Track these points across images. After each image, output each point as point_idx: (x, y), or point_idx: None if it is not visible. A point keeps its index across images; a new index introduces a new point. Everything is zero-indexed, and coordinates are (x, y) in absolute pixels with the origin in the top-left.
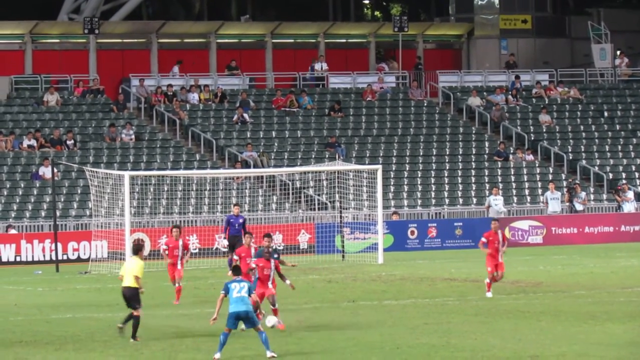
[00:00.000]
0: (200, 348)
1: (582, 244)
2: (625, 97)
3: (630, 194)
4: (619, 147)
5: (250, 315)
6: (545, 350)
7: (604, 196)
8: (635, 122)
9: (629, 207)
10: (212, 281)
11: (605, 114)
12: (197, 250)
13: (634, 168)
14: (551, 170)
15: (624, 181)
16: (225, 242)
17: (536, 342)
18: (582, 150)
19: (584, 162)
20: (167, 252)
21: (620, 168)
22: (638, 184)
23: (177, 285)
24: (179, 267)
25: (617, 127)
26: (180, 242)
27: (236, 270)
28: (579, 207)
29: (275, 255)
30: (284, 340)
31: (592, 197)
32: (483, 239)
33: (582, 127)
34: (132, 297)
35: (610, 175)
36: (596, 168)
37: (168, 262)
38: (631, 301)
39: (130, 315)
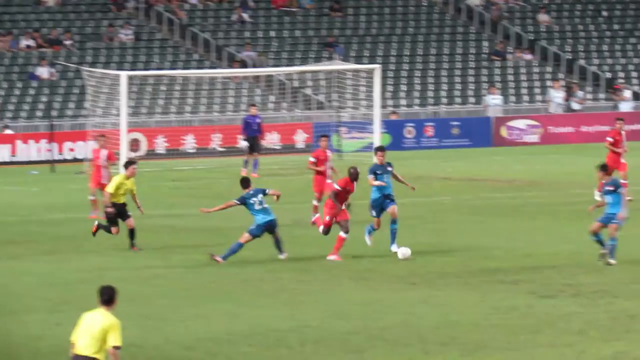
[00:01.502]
0: (197, 247)
1: (578, 143)
2: None
3: (627, 93)
4: (617, 46)
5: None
6: (539, 249)
7: (602, 95)
8: (634, 21)
9: (625, 106)
10: (207, 181)
11: (604, 13)
12: (194, 150)
13: (631, 67)
14: (549, 69)
15: (621, 80)
16: (245, 143)
17: (530, 241)
18: (580, 49)
19: (582, 61)
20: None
21: (618, 67)
22: (635, 82)
23: (91, 197)
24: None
25: (616, 26)
26: (104, 152)
27: (245, 182)
28: (575, 106)
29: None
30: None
31: (589, 96)
32: None
33: (580, 27)
34: None
35: (608, 75)
36: (594, 67)
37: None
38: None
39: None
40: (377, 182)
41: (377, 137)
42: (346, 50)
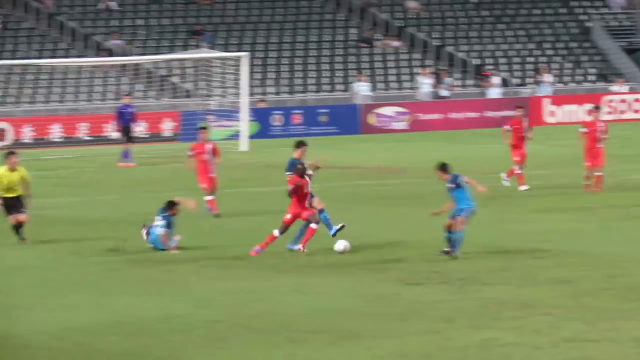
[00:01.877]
0: (64, 237)
1: (447, 130)
2: None
3: (495, 80)
4: (486, 33)
5: None
6: (407, 237)
7: (470, 82)
8: (503, 8)
9: (494, 93)
10: (74, 170)
11: (473, 0)
12: (61, 140)
13: (500, 54)
14: (418, 56)
15: (490, 67)
16: (118, 134)
17: (398, 228)
18: (449, 36)
19: (450, 48)
20: None
21: (487, 54)
22: (503, 69)
23: None
24: None
25: (484, 13)
26: None
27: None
28: (444, 93)
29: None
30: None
31: (457, 83)
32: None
33: (449, 14)
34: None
35: (477, 62)
36: (462, 54)
37: None
38: (494, 186)
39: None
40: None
41: (245, 125)
42: (214, 39)
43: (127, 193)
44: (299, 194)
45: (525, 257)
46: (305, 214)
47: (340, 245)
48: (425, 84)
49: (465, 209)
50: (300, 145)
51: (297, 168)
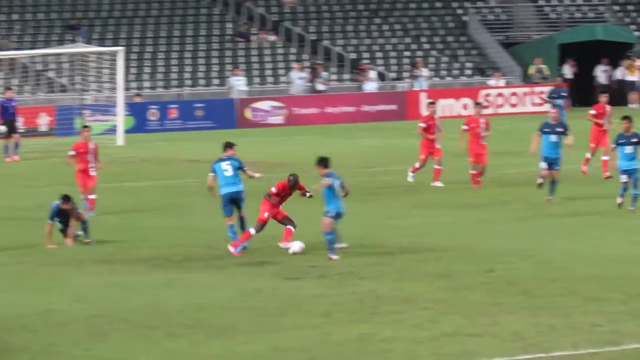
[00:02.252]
0: None
1: (323, 124)
2: None
3: (371, 74)
4: (362, 27)
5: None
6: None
7: (346, 76)
8: (379, 1)
9: (370, 86)
10: None
11: None
12: None
13: (376, 48)
14: (294, 50)
15: (366, 61)
16: (3, 127)
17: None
18: (325, 30)
19: (326, 42)
20: None
21: (363, 48)
22: (379, 63)
23: None
24: None
25: (360, 7)
26: None
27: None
28: (320, 87)
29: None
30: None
31: (334, 77)
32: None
33: (325, 8)
34: None
35: (353, 55)
36: (339, 48)
37: None
38: (371, 180)
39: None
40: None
41: (121, 119)
42: (89, 33)
43: (5, 188)
44: (281, 199)
45: (403, 251)
46: (281, 216)
47: (296, 246)
48: (299, 79)
49: (330, 210)
50: (228, 146)
51: (289, 180)
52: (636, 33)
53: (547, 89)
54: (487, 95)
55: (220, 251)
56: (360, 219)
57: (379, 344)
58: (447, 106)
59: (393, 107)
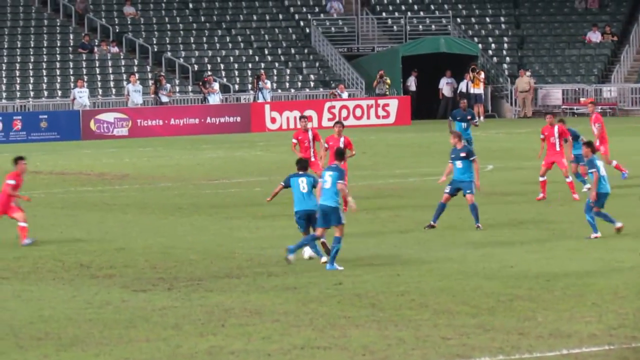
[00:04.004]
0: None
1: (168, 136)
2: None
3: (215, 86)
4: (204, 38)
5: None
6: (132, 243)
7: (190, 88)
8: (221, 13)
9: (214, 98)
10: None
11: (190, 5)
12: None
13: (219, 60)
14: (136, 62)
15: (209, 73)
16: None
17: (123, 234)
18: (168, 42)
19: (169, 54)
20: None
21: (206, 60)
22: (223, 75)
23: None
24: None
25: (202, 18)
26: None
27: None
28: (164, 99)
29: None
30: None
31: (177, 89)
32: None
33: (167, 19)
34: None
35: (196, 67)
36: (182, 60)
37: None
38: (217, 193)
39: None
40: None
41: None
42: None
43: None
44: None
45: (251, 263)
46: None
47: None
48: (135, 91)
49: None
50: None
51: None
52: (480, 46)
53: (391, 101)
54: (332, 107)
55: (68, 262)
56: (206, 232)
57: (228, 357)
58: (292, 118)
59: (237, 119)
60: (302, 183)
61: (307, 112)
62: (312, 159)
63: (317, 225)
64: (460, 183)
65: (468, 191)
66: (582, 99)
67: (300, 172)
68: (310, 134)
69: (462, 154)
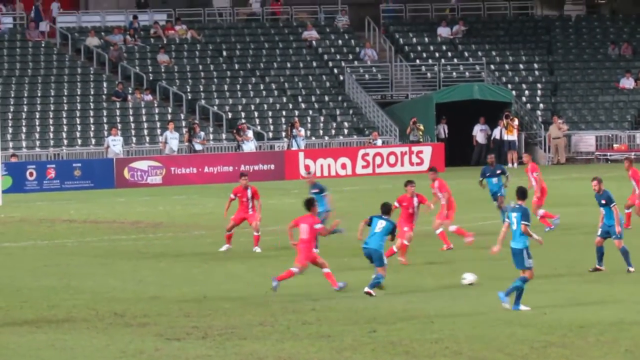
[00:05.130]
0: None
1: (201, 184)
2: (244, 37)
3: (249, 134)
4: (238, 86)
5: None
6: (165, 291)
7: (224, 136)
8: (254, 61)
9: (248, 146)
10: None
11: (224, 53)
12: None
13: (253, 107)
14: (170, 110)
15: (243, 120)
16: None
17: (156, 283)
18: (201, 89)
19: (202, 101)
20: None
21: (240, 107)
22: (257, 123)
23: None
24: None
25: (236, 66)
26: None
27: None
28: (198, 147)
29: None
30: None
31: (211, 136)
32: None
33: (200, 67)
34: None
35: (230, 115)
36: (215, 108)
37: None
38: (251, 241)
39: None
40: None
41: None
42: None
43: None
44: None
45: (285, 311)
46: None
47: (470, 276)
48: (172, 138)
49: None
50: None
51: None
52: (513, 92)
53: (425, 148)
54: (366, 154)
55: (101, 311)
56: (240, 279)
57: None
58: (326, 165)
59: (271, 166)
60: (380, 224)
61: (342, 160)
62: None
63: None
64: (609, 228)
65: (614, 236)
66: (615, 145)
67: (384, 215)
68: (249, 191)
69: (603, 201)
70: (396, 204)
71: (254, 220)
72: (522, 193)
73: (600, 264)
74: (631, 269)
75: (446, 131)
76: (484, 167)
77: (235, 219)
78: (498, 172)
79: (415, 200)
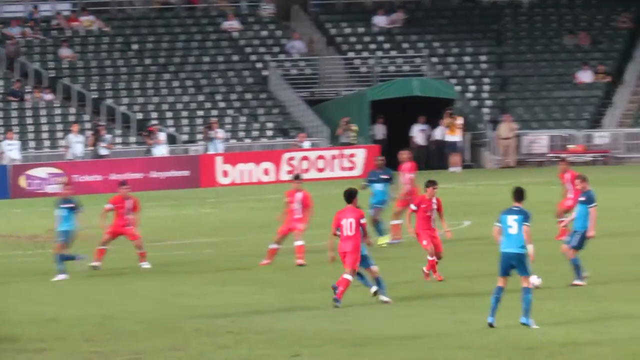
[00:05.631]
0: None
1: (107, 193)
2: (157, 28)
3: (161, 136)
4: (149, 83)
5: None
6: (65, 313)
7: (132, 139)
8: (168, 55)
9: (160, 150)
10: None
11: (134, 46)
12: None
13: (165, 107)
14: (73, 110)
15: (154, 122)
16: None
17: (55, 303)
18: (108, 88)
19: (109, 101)
20: None
21: (150, 107)
22: (170, 124)
23: None
24: None
25: (147, 61)
26: None
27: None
28: (103, 151)
29: None
30: None
31: (118, 140)
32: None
33: (108, 62)
34: None
35: (140, 116)
36: (123, 107)
37: None
38: (161, 255)
39: None
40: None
41: None
42: None
43: None
44: None
45: (199, 334)
46: None
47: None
48: (77, 142)
49: None
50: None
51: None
52: (457, 88)
53: (358, 151)
54: (291, 158)
55: None
56: (149, 299)
57: None
58: (246, 171)
59: (185, 173)
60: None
61: (265, 164)
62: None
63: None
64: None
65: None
66: (571, 146)
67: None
68: (129, 202)
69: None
70: (413, 206)
71: (135, 237)
72: (519, 194)
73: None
74: (579, 282)
75: (384, 132)
76: (370, 171)
77: (111, 232)
78: (384, 177)
79: (435, 203)
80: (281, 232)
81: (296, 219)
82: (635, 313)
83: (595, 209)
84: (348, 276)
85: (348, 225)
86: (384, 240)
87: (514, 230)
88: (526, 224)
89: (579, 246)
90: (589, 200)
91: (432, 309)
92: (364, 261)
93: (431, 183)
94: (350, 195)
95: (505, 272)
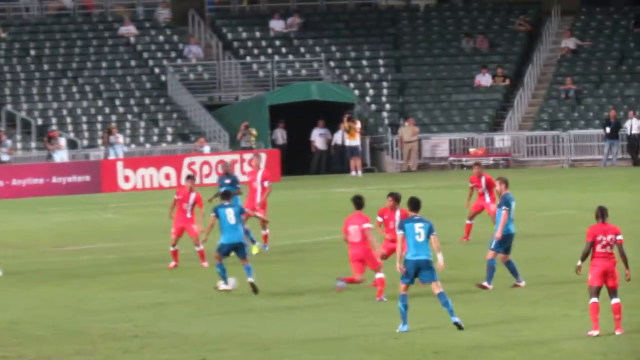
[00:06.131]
0: None
1: (9, 198)
2: (54, 34)
3: (62, 142)
4: (48, 89)
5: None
6: None
7: (33, 144)
8: (66, 61)
9: (61, 156)
10: None
11: (32, 52)
12: None
13: (65, 112)
14: None
15: (54, 127)
16: None
17: None
18: (7, 93)
19: (9, 106)
20: None
21: (50, 112)
22: (70, 129)
23: None
24: None
25: (46, 67)
26: None
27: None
28: (4, 157)
29: None
30: None
31: (19, 145)
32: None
33: (6, 68)
34: None
35: (40, 121)
36: (23, 113)
37: None
38: (65, 261)
39: None
40: None
41: None
42: None
43: None
44: None
45: (105, 339)
46: None
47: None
48: None
49: None
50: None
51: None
52: (356, 92)
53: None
54: (192, 163)
55: None
56: (54, 304)
57: None
58: (147, 176)
59: (87, 178)
60: (230, 214)
61: (165, 169)
62: None
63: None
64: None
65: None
66: (471, 150)
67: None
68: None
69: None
70: (379, 218)
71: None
72: (416, 204)
73: (518, 280)
74: (486, 285)
75: (284, 136)
76: (219, 177)
77: (175, 232)
78: (227, 181)
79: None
80: (175, 233)
81: (187, 218)
82: (540, 316)
83: (506, 212)
84: (380, 275)
85: (354, 232)
86: (255, 249)
87: (421, 238)
88: (434, 234)
89: (503, 249)
90: (502, 202)
91: (338, 313)
92: (241, 251)
93: (392, 195)
94: (357, 202)
95: (412, 280)
